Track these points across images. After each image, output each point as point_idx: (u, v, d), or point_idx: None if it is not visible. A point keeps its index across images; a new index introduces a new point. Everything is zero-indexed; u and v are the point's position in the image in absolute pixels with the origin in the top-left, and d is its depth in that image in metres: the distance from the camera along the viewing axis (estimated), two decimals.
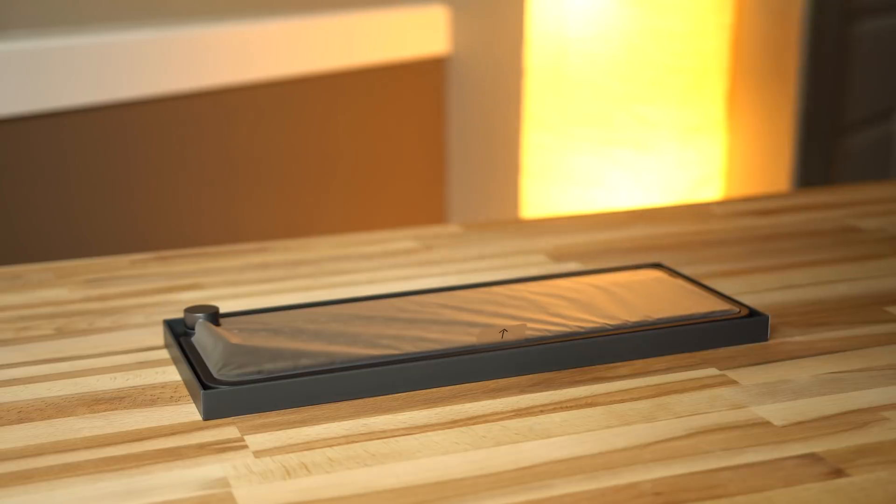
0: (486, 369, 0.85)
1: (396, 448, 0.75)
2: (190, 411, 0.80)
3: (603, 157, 1.89)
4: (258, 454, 0.74)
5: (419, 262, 1.12)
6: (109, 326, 0.96)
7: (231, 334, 0.87)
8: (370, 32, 2.03)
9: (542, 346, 0.87)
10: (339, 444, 0.75)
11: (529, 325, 0.90)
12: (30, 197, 1.67)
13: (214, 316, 0.89)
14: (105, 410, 0.80)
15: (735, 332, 0.91)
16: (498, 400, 0.82)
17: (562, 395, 0.82)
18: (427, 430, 0.77)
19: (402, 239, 1.19)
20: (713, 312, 0.94)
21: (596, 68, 1.85)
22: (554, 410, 0.80)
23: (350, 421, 0.79)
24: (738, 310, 0.93)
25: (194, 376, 0.81)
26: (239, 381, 0.80)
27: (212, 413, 0.79)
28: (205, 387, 0.80)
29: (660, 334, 0.89)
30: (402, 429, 0.77)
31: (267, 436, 0.76)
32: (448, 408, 0.81)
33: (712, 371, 0.86)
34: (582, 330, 0.90)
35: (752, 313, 0.93)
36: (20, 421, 0.78)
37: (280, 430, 0.77)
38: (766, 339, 0.92)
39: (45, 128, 1.66)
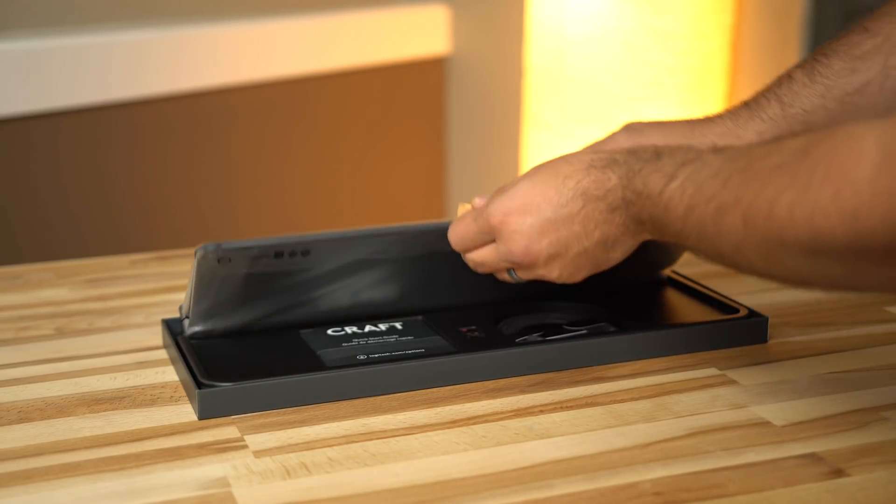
0: (486, 369, 0.84)
1: (396, 448, 0.75)
2: (190, 411, 0.80)
3: None
4: (258, 454, 0.74)
5: None
6: (109, 326, 0.96)
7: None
8: (370, 32, 2.03)
9: (542, 346, 0.87)
10: (339, 444, 0.75)
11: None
12: (30, 197, 1.67)
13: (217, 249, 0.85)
14: (105, 410, 0.80)
15: (735, 332, 0.91)
16: (498, 400, 0.82)
17: (562, 395, 0.82)
18: (427, 430, 0.77)
19: None
20: (713, 314, 0.94)
21: (596, 68, 1.85)
22: (554, 410, 0.80)
23: (350, 421, 0.78)
24: (737, 310, 0.93)
25: (190, 376, 0.81)
26: (235, 380, 0.80)
27: (207, 412, 0.79)
28: (200, 386, 0.79)
29: (659, 334, 0.89)
30: (402, 429, 0.77)
31: (267, 436, 0.76)
32: (448, 408, 0.81)
33: (712, 371, 0.86)
34: (580, 327, 0.90)
35: (752, 314, 0.93)
36: (20, 421, 0.78)
37: (280, 430, 0.77)
38: (765, 341, 0.92)
39: (45, 128, 1.66)
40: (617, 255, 0.79)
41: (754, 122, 0.85)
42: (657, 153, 0.74)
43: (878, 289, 0.62)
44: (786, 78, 0.87)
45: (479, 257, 0.83)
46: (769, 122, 0.85)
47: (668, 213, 0.71)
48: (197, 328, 0.87)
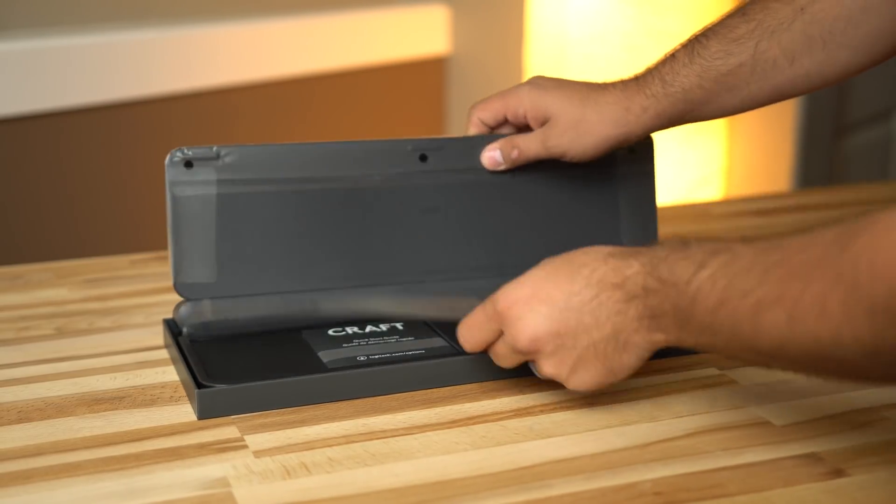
0: (485, 369, 0.84)
1: (396, 448, 0.75)
2: (190, 411, 0.80)
3: None
4: (258, 454, 0.74)
5: None
6: (109, 326, 0.96)
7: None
8: (370, 32, 2.03)
9: None
10: (339, 444, 0.75)
11: None
12: (30, 197, 1.67)
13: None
14: (105, 410, 0.80)
15: None
16: (498, 400, 0.82)
17: (562, 395, 0.82)
18: (427, 430, 0.77)
19: None
20: None
21: (596, 69, 1.85)
22: (554, 410, 0.80)
23: (350, 421, 0.78)
24: None
25: (190, 376, 0.81)
26: (235, 380, 0.80)
27: (206, 412, 0.79)
28: (199, 386, 0.80)
29: None
30: (402, 429, 0.77)
31: (267, 436, 0.76)
32: (448, 408, 0.81)
33: (712, 371, 0.86)
34: None
35: None
36: (20, 421, 0.78)
37: (280, 430, 0.77)
38: None
39: (45, 128, 1.66)
40: (630, 360, 0.74)
41: (639, 97, 0.90)
42: (684, 242, 0.70)
43: None
44: (670, 57, 0.92)
45: (492, 351, 0.79)
46: (651, 99, 0.90)
47: (696, 305, 0.67)
48: (185, 277, 0.87)
